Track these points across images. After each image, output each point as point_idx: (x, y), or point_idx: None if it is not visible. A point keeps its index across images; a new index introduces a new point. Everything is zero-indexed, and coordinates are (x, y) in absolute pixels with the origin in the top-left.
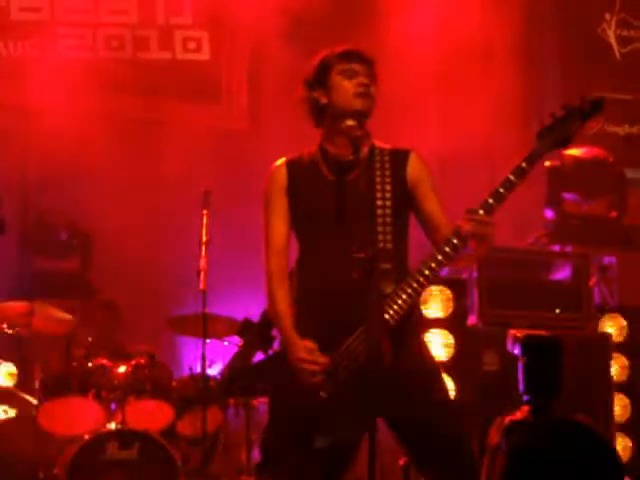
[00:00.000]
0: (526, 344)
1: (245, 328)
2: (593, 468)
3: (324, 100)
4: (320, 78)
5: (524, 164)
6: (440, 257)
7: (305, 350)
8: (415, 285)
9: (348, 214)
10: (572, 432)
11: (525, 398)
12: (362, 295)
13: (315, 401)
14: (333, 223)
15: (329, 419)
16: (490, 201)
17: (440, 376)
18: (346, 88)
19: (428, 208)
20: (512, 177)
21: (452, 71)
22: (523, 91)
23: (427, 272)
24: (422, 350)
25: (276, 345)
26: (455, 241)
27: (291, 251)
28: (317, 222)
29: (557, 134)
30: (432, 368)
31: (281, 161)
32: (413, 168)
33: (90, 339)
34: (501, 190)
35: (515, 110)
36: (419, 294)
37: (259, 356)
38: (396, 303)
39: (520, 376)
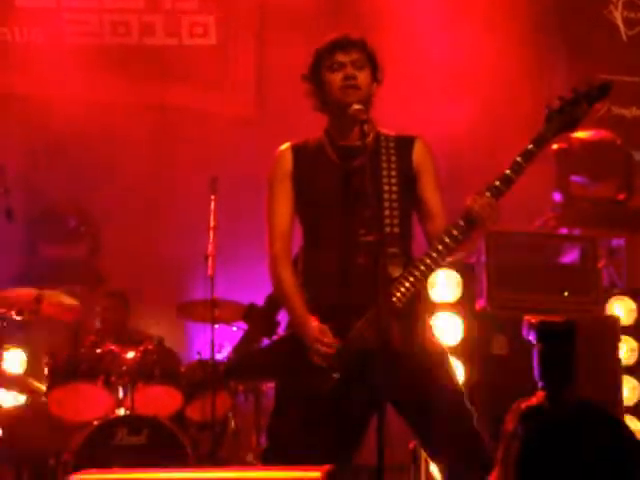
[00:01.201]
0: (541, 330)
1: (250, 313)
2: (610, 453)
3: (321, 95)
4: (314, 74)
5: (532, 147)
6: (448, 240)
7: (320, 331)
8: (423, 268)
9: (354, 198)
10: (589, 418)
11: (540, 384)
12: (369, 279)
13: (322, 384)
14: (339, 207)
15: (336, 403)
16: (498, 184)
17: (447, 360)
18: (333, 82)
19: (427, 196)
20: (520, 160)
21: (459, 53)
22: (530, 74)
23: (435, 255)
24: (429, 333)
25: (280, 330)
26: (463, 224)
27: (294, 239)
28: (323, 206)
29: (565, 117)
30: (439, 352)
31: (286, 145)
32: (418, 154)
33: (98, 325)
34: (509, 173)
35: (523, 92)
36: (426, 278)
37: (264, 340)
38: (403, 286)
39: (535, 362)
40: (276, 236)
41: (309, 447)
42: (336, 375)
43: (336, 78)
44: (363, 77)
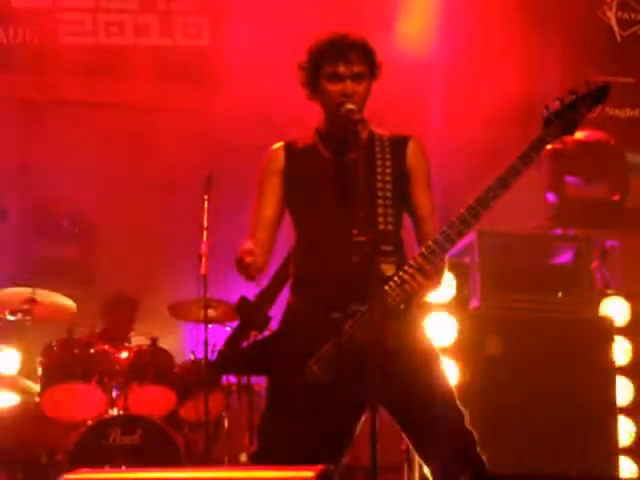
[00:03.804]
0: None
1: (241, 306)
2: None
3: (315, 96)
4: (310, 75)
5: (530, 150)
6: (441, 239)
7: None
8: (417, 267)
9: (347, 195)
10: None
11: None
12: (362, 278)
13: (313, 383)
14: (332, 204)
15: (327, 402)
16: (494, 186)
17: (439, 360)
18: (330, 93)
19: (416, 197)
20: (518, 163)
21: (452, 58)
22: (524, 74)
23: (428, 254)
24: (421, 333)
25: (272, 325)
26: (458, 222)
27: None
28: (315, 203)
29: (564, 120)
30: (431, 352)
31: (279, 144)
32: (411, 153)
33: (99, 329)
34: (507, 177)
35: (516, 93)
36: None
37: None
38: (397, 285)
39: None
40: (257, 227)
41: (299, 447)
42: (315, 369)
43: (334, 89)
44: (361, 90)
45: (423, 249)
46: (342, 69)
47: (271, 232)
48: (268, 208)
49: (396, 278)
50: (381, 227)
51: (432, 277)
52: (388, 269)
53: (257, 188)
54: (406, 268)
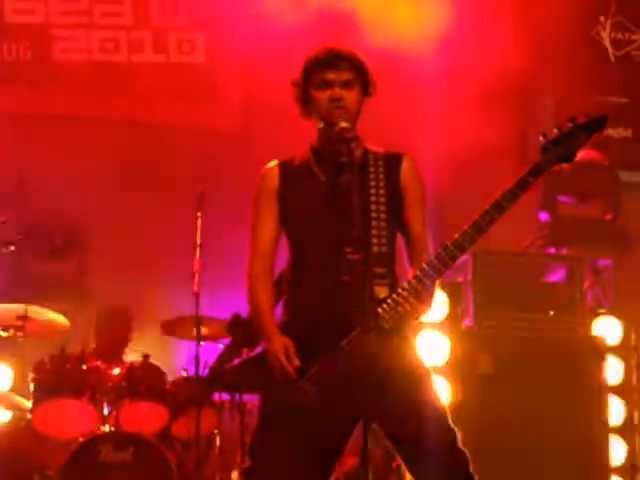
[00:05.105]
0: None
1: (234, 323)
2: None
3: (308, 110)
4: (302, 88)
5: (528, 177)
6: (436, 262)
7: (282, 346)
8: (411, 290)
9: (341, 216)
10: None
11: None
12: (354, 297)
13: (303, 402)
14: (325, 225)
15: (318, 420)
16: (490, 211)
17: (431, 379)
18: (319, 101)
19: (409, 217)
20: (515, 188)
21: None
22: (517, 94)
23: (423, 277)
24: (414, 354)
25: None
26: (452, 247)
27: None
28: (309, 224)
29: (562, 149)
30: (423, 372)
31: (273, 163)
32: (405, 172)
33: (91, 346)
34: (503, 202)
35: (507, 115)
36: (415, 299)
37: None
38: (391, 307)
39: None
40: (257, 254)
41: (290, 464)
42: (309, 392)
43: (323, 97)
44: (351, 97)
45: (418, 272)
46: (331, 76)
47: (271, 259)
48: (266, 233)
49: (390, 300)
50: (375, 249)
51: (425, 300)
52: (381, 291)
53: (253, 208)
54: (400, 291)
